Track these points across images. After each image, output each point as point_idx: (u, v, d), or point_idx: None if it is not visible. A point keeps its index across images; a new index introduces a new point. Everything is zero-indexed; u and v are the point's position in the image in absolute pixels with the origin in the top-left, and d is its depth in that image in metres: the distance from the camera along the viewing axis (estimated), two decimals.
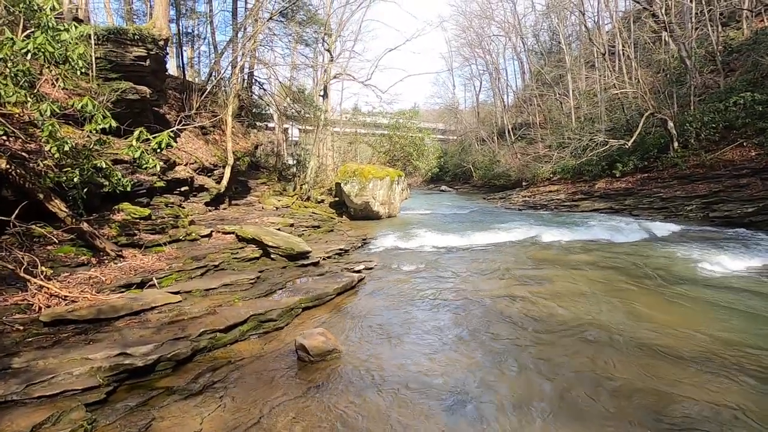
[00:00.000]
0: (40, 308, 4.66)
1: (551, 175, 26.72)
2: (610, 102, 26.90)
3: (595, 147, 21.56)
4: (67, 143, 5.86)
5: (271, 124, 27.85)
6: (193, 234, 8.40)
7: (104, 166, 6.99)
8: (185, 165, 13.46)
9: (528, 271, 8.22)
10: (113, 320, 4.72)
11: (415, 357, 4.38)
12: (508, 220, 18.53)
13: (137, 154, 6.50)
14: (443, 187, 45.31)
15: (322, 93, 19.57)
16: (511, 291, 6.80)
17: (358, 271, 7.97)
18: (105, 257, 6.52)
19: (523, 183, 29.13)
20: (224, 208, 15.10)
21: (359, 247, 11.55)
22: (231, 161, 14.83)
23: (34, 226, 5.64)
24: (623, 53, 24.90)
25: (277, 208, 17.12)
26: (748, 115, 17.92)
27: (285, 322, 5.34)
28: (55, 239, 5.98)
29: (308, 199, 20.47)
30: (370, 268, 8.44)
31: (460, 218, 19.90)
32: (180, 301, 5.49)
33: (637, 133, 20.40)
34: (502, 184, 34.35)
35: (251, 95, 22.22)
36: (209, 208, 13.82)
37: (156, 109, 14.16)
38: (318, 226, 13.84)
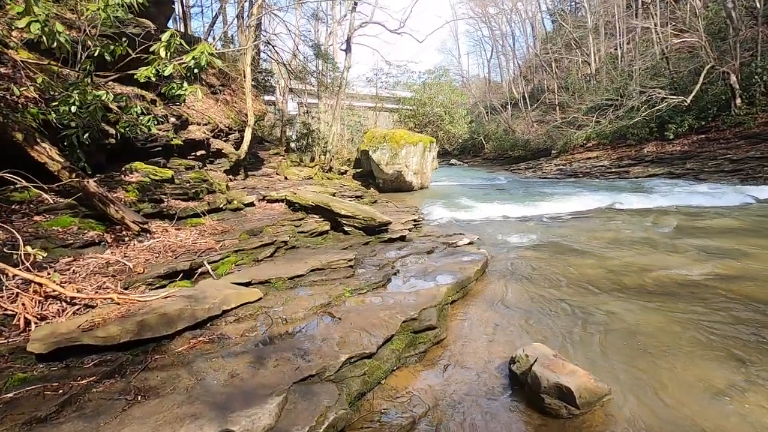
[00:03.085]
0: (26, 324, 2.47)
1: (585, 142, 24.58)
2: (652, 59, 24.57)
3: (644, 107, 19.41)
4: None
5: (269, 97, 25.24)
6: (236, 202, 6.16)
7: (109, 98, 4.68)
8: (199, 125, 11.07)
9: (679, 241, 6.15)
10: (168, 339, 2.55)
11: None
12: (560, 188, 16.50)
13: (167, 71, 4.18)
14: (452, 161, 42.88)
15: (344, 47, 17.02)
16: (710, 268, 4.73)
17: (468, 245, 5.83)
18: (125, 232, 4.28)
19: (552, 151, 26.96)
20: (243, 179, 12.80)
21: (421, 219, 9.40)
22: (252, 122, 12.42)
23: (8, 176, 3.37)
24: None
25: (301, 179, 14.86)
26: None
27: (444, 329, 3.20)
28: (46, 204, 3.73)
29: (330, 170, 18.16)
30: (471, 242, 6.30)
31: (502, 189, 17.83)
32: (261, 298, 3.32)
33: (697, 88, 18.21)
34: (518, 155, 32.18)
35: (259, 55, 19.54)
36: (229, 177, 11.51)
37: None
38: (360, 196, 11.63)
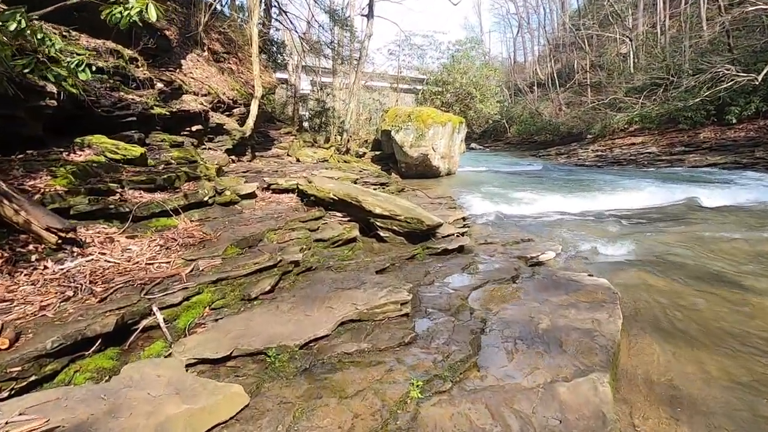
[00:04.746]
0: None
1: (626, 126, 22.21)
2: (710, 33, 21.89)
3: (704, 87, 17.01)
4: None
5: (281, 75, 23.32)
6: (228, 193, 4.38)
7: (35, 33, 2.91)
8: (196, 95, 9.30)
9: None
10: None
11: None
12: (609, 178, 14.44)
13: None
14: (472, 145, 40.55)
15: (365, 11, 14.95)
16: None
17: (553, 259, 4.00)
18: (32, 246, 2.56)
19: (587, 136, 24.62)
20: (249, 160, 11.06)
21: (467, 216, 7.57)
22: (259, 93, 10.55)
23: None
24: None
25: (315, 161, 13.07)
26: None
27: None
28: None
29: (347, 151, 16.32)
30: (557, 255, 4.45)
31: (539, 176, 15.82)
32: (245, 408, 1.57)
33: None
34: (545, 140, 29.86)
35: (270, 21, 17.55)
36: (231, 158, 9.78)
37: (153, 23, 9.87)
38: (385, 184, 9.82)
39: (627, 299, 3.32)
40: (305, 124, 19.88)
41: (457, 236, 4.85)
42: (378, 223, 4.33)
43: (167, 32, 10.63)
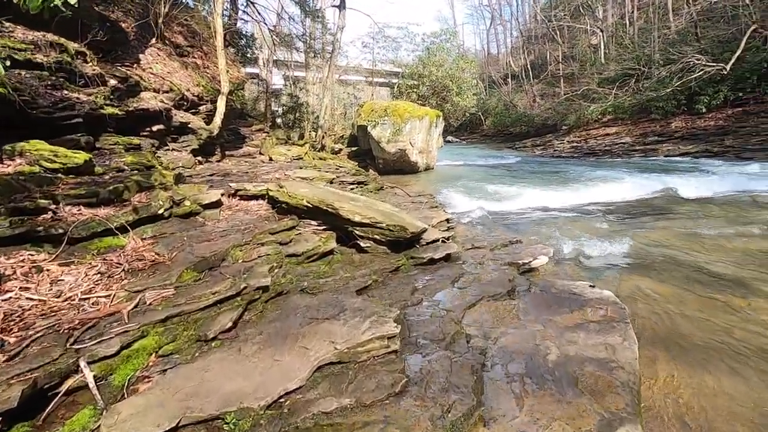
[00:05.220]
0: None
1: (600, 116, 22.44)
2: (677, 24, 22.26)
3: (676, 77, 17.25)
4: None
5: (252, 70, 22.48)
6: (188, 203, 3.89)
7: None
8: (156, 92, 8.63)
9: None
10: None
11: None
12: (586, 169, 14.43)
13: None
14: (449, 138, 40.46)
15: (336, 2, 14.36)
16: None
17: (548, 264, 3.71)
18: None
19: (562, 127, 24.78)
20: (218, 161, 10.44)
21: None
22: (226, 89, 9.92)
23: None
24: None
25: (289, 159, 12.52)
26: None
27: None
28: None
29: (322, 148, 15.81)
30: (548, 258, 4.16)
31: (517, 169, 15.72)
32: None
33: (737, 54, 16.07)
34: (521, 132, 29.98)
35: (236, 12, 16.72)
36: (198, 159, 9.16)
37: (105, 14, 9.16)
38: (364, 183, 9.39)
39: (631, 311, 3.04)
40: (278, 121, 19.22)
41: (443, 242, 4.51)
42: (357, 232, 3.93)
43: (123, 24, 9.87)
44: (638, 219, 6.42)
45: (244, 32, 19.26)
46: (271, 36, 17.13)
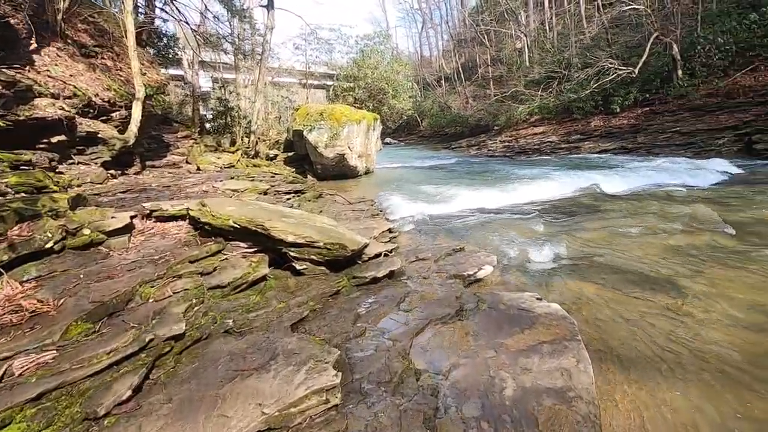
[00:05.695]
0: None
1: (528, 117, 23.65)
2: (590, 31, 24.01)
3: (593, 80, 18.61)
4: None
5: (176, 71, 21.01)
6: (87, 231, 3.30)
7: None
8: (55, 98, 7.58)
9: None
10: None
11: None
12: (518, 168, 15.05)
13: None
14: (387, 140, 40.79)
15: (264, 2, 13.68)
16: None
17: (492, 273, 3.61)
18: None
19: (494, 128, 25.81)
20: (137, 173, 9.47)
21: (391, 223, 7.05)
22: (141, 94, 8.99)
23: None
24: None
25: (219, 168, 11.71)
26: (765, 34, 15.79)
27: None
28: None
29: (256, 155, 15.06)
30: (493, 267, 4.09)
31: (454, 170, 16.02)
32: None
33: (643, 59, 17.65)
34: (456, 132, 30.94)
35: (153, 11, 15.39)
36: (111, 172, 8.21)
37: None
38: (301, 191, 8.95)
39: (579, 322, 2.99)
40: (208, 126, 18.06)
41: (386, 255, 4.28)
42: (292, 254, 3.57)
43: (11, 20, 8.62)
44: (571, 218, 6.64)
45: (164, 31, 17.88)
46: (195, 36, 16.00)
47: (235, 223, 3.70)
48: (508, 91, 26.44)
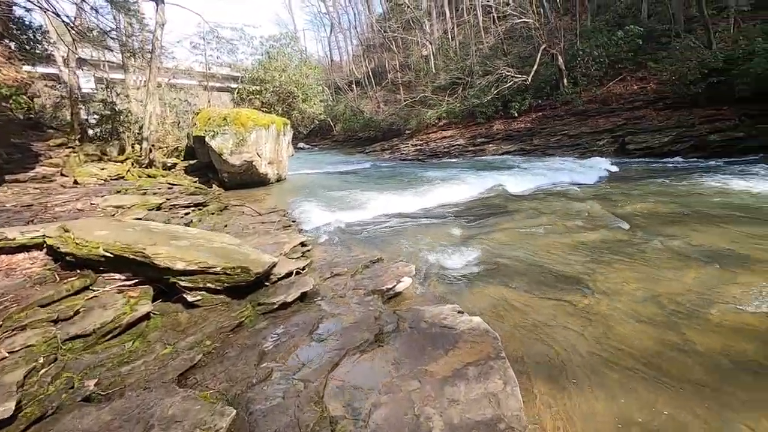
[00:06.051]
0: None
1: (437, 120, 24.60)
2: (488, 41, 25.71)
3: (493, 86, 19.92)
4: None
5: (46, 69, 18.20)
6: None
7: None
8: None
9: (659, 243, 4.93)
10: None
11: None
12: (430, 171, 15.44)
13: None
14: (300, 144, 39.79)
15: None
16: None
17: (397, 294, 3.43)
18: None
19: (406, 132, 26.43)
20: None
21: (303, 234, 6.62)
22: None
23: None
24: None
25: (104, 181, 10.21)
26: (630, 49, 18.18)
27: None
28: None
29: (150, 164, 13.50)
30: (411, 276, 3.92)
31: (369, 175, 15.96)
32: None
33: (534, 68, 19.29)
34: (369, 136, 31.26)
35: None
36: None
37: None
38: (204, 204, 8.10)
39: (500, 334, 2.91)
40: (91, 132, 15.83)
41: (298, 274, 3.89)
42: (183, 283, 3.03)
43: None
44: (483, 220, 6.81)
45: (29, 22, 15.31)
46: (69, 30, 13.92)
47: (107, 251, 3.04)
48: (417, 96, 27.28)
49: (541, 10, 22.38)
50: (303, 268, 4.08)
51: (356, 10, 43.25)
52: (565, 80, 19.48)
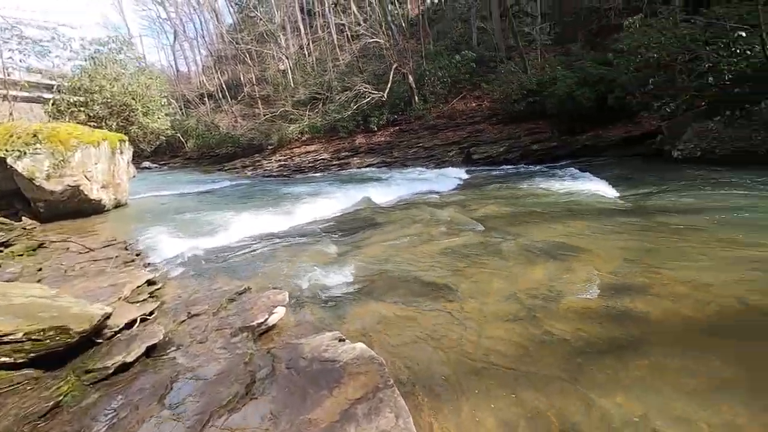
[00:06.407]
0: None
1: (299, 135, 24.27)
2: (344, 58, 26.45)
3: (352, 102, 20.54)
4: None
5: None
6: None
7: None
8: None
9: (513, 244, 5.50)
10: None
11: None
12: (297, 187, 15.05)
13: None
14: (145, 164, 35.07)
15: None
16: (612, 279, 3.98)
17: (271, 328, 3.09)
18: None
19: (268, 147, 25.42)
20: None
21: (147, 267, 5.63)
22: None
23: None
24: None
25: None
26: (467, 71, 20.69)
27: None
28: None
29: None
30: (284, 305, 3.56)
31: (229, 194, 14.81)
32: None
33: (389, 86, 20.50)
34: (228, 153, 29.35)
35: None
36: None
37: None
38: (6, 243, 6.31)
39: (385, 357, 2.78)
40: None
41: (144, 321, 3.20)
42: None
43: None
44: (355, 234, 6.77)
45: None
46: None
47: None
48: (278, 110, 26.55)
49: (390, 32, 24.08)
50: (150, 314, 3.38)
51: (203, 18, 40.33)
52: (416, 97, 21.11)
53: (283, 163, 22.48)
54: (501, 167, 15.76)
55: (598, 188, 8.64)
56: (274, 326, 3.33)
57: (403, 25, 27.11)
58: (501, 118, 18.00)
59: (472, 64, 20.51)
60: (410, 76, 20.90)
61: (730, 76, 9.67)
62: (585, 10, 19.12)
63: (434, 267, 4.59)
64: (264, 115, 27.66)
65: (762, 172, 8.03)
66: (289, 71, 31.24)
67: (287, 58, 31.52)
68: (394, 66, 20.63)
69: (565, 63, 16.72)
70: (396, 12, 27.55)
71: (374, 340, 2.99)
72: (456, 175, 14.40)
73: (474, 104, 20.35)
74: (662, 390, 2.24)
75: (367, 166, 19.68)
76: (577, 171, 11.73)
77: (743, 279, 3.51)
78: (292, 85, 30.03)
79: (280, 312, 3.44)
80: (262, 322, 3.27)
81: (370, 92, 19.55)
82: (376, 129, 21.29)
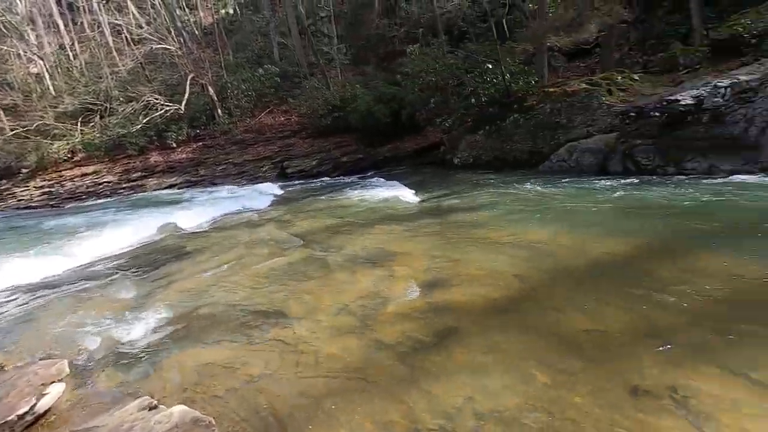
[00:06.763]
0: None
1: (70, 155, 19.70)
2: (128, 64, 22.63)
3: (142, 114, 17.83)
4: None
5: None
6: None
7: None
8: None
9: (340, 256, 5.53)
10: None
11: None
12: (74, 218, 12.25)
13: None
14: None
15: None
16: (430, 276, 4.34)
17: (42, 415, 2.37)
18: None
19: (22, 171, 19.73)
20: None
21: None
22: None
23: None
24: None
25: None
26: (271, 86, 20.48)
27: None
28: None
29: None
30: (63, 389, 2.71)
31: None
32: None
33: (186, 97, 18.60)
34: None
35: None
36: None
37: None
38: None
39: (213, 411, 2.39)
40: None
41: None
42: None
43: None
44: (161, 269, 5.78)
45: None
46: None
47: None
48: (33, 124, 20.90)
49: (182, 39, 21.86)
50: None
51: None
52: (219, 110, 19.73)
53: (48, 190, 17.83)
54: (315, 180, 16.10)
55: (403, 194, 9.66)
56: (47, 412, 2.49)
57: (197, 32, 25.09)
58: (310, 133, 18.39)
59: (277, 79, 20.39)
60: (210, 88, 19.43)
61: (485, 99, 12.21)
62: (374, 36, 21.26)
63: (260, 292, 4.28)
64: (12, 130, 21.36)
65: (510, 173, 10.39)
66: (47, 75, 25.03)
67: (41, 59, 25.23)
68: (191, 76, 18.81)
69: (362, 82, 18.25)
70: (186, 18, 25.29)
71: (197, 395, 2.55)
72: (271, 190, 14.01)
73: (282, 118, 20.23)
74: (479, 369, 2.57)
75: (168, 187, 17.35)
76: (384, 180, 12.91)
77: (514, 259, 4.38)
78: (53, 92, 24.16)
79: (56, 391, 2.60)
80: (26, 412, 2.40)
81: (163, 104, 17.29)
82: (175, 145, 18.98)
